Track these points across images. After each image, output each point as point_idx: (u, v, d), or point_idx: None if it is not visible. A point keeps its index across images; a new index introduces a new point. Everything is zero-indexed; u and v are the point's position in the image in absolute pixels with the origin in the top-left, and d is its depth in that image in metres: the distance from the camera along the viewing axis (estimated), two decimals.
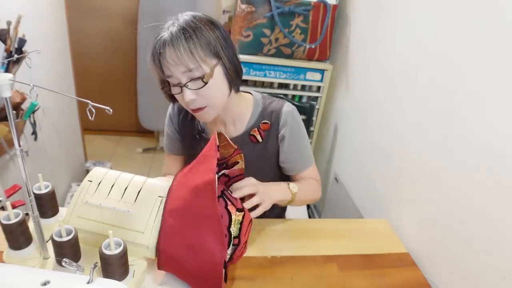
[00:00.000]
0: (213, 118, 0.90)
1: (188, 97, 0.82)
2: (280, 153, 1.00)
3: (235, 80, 0.89)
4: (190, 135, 1.03)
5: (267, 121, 0.97)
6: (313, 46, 1.68)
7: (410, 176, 1.09)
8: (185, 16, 0.82)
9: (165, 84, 0.86)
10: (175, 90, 0.85)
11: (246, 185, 0.83)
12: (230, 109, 0.94)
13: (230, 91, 0.89)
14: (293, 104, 1.63)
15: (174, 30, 0.79)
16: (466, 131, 0.86)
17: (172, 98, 0.92)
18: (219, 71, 0.83)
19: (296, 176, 1.05)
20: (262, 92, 1.04)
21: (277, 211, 1.12)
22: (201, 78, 0.81)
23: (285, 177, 1.09)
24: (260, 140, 0.98)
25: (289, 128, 0.97)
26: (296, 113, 1.00)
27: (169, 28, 0.80)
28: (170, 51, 0.79)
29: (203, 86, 0.82)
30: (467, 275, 0.83)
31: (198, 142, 1.02)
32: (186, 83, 0.81)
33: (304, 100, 1.85)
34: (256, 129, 0.97)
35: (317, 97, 1.81)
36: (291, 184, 0.95)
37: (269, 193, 0.88)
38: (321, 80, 1.79)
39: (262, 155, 0.99)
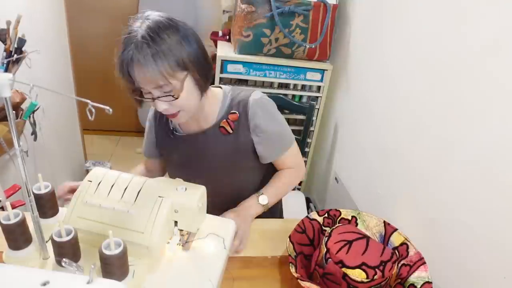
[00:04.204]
0: (187, 119, 0.92)
1: (161, 107, 0.84)
2: (256, 145, 1.00)
3: (205, 85, 0.90)
4: (166, 135, 1.05)
5: (235, 111, 0.98)
6: (313, 46, 1.68)
7: (410, 176, 1.09)
8: (150, 25, 0.78)
9: (135, 92, 0.86)
10: (147, 99, 0.86)
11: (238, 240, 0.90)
12: (200, 107, 0.94)
13: (202, 95, 0.90)
14: (293, 104, 1.64)
15: (140, 43, 0.76)
16: (466, 131, 0.86)
17: (141, 102, 0.91)
18: (189, 82, 0.84)
19: (278, 163, 1.06)
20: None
21: (274, 210, 1.13)
22: (172, 95, 0.81)
23: (265, 165, 1.08)
24: (231, 131, 0.98)
25: (260, 118, 0.97)
26: (266, 100, 1.00)
27: (135, 39, 0.77)
28: (138, 69, 0.78)
29: (173, 100, 0.82)
30: (467, 275, 0.83)
31: (173, 140, 1.04)
32: (158, 97, 0.82)
33: (304, 100, 1.85)
34: (225, 120, 0.98)
35: (317, 97, 1.81)
36: (260, 198, 1.00)
37: (246, 221, 0.95)
38: (321, 80, 1.78)
39: (236, 146, 0.99)
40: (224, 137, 0.98)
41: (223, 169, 1.03)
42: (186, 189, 0.73)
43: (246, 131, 0.98)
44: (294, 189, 1.14)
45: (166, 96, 0.82)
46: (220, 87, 1.03)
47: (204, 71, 0.87)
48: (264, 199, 1.00)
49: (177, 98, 0.82)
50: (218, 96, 1.00)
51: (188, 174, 1.03)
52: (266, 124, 0.98)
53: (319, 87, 1.82)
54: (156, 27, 0.78)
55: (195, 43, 0.83)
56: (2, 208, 1.09)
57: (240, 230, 0.90)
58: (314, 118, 1.84)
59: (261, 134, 0.98)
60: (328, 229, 0.85)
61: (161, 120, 1.06)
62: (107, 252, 0.58)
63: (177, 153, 1.05)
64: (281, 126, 1.02)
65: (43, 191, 0.71)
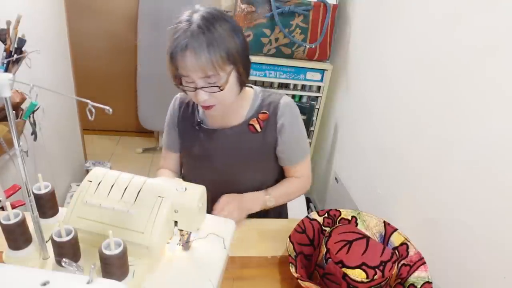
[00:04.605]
0: (220, 113, 0.93)
1: (202, 97, 0.86)
2: (278, 143, 1.02)
3: (245, 81, 0.92)
4: (190, 126, 1.05)
5: (266, 111, 0.99)
6: (313, 46, 1.68)
7: (410, 176, 1.09)
8: (204, 15, 0.81)
9: (178, 79, 0.88)
10: (188, 88, 0.87)
11: (223, 209, 0.92)
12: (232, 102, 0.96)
13: (240, 91, 0.93)
14: None
15: (196, 32, 0.79)
16: (466, 131, 0.86)
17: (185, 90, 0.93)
18: (233, 76, 0.86)
19: (288, 168, 1.07)
20: None
21: (277, 211, 1.13)
22: (218, 86, 0.83)
23: (281, 170, 1.10)
24: (259, 129, 0.99)
25: (287, 119, 0.99)
26: (294, 105, 1.02)
27: (189, 28, 0.79)
28: (191, 56, 0.80)
29: (218, 92, 0.84)
30: (467, 275, 0.83)
31: (197, 132, 1.04)
32: (202, 87, 0.84)
33: (304, 100, 1.85)
34: (255, 118, 0.99)
35: (317, 97, 1.81)
36: (268, 198, 1.01)
37: (242, 205, 0.96)
38: (321, 80, 1.79)
39: (261, 145, 1.01)
40: (252, 135, 1.00)
41: (243, 166, 1.03)
42: (186, 189, 0.73)
43: (273, 131, 1.00)
44: None
45: (211, 87, 0.84)
46: (251, 87, 1.05)
47: (246, 66, 0.90)
48: (271, 201, 1.02)
49: (222, 90, 0.84)
50: (249, 94, 1.02)
51: (205, 167, 1.05)
52: (291, 125, 1.00)
53: (319, 87, 1.82)
54: (210, 17, 0.81)
55: (241, 36, 0.86)
56: (2, 208, 1.09)
57: (228, 214, 0.91)
58: (314, 118, 1.84)
59: (285, 133, 1.00)
60: (328, 229, 0.85)
61: (186, 111, 1.06)
62: (107, 252, 0.58)
63: (199, 145, 1.05)
64: (301, 133, 1.04)
65: (43, 191, 0.71)
